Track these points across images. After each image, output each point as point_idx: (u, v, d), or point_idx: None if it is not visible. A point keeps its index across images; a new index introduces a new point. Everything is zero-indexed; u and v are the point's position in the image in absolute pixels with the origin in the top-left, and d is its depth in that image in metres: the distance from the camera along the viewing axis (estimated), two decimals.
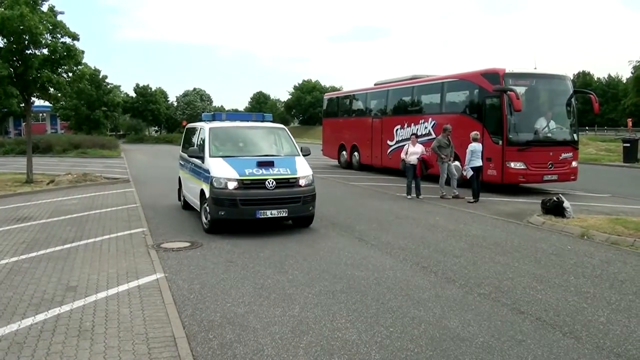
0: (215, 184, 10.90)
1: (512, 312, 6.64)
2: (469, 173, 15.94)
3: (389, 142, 23.98)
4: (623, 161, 31.73)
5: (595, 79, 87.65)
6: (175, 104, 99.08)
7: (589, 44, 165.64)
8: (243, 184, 10.85)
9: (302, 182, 11.34)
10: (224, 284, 7.74)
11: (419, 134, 20.67)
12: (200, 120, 14.27)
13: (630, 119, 43.04)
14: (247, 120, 13.70)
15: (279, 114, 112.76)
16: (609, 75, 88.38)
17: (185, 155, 13.82)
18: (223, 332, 5.94)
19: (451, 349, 5.53)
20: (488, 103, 18.20)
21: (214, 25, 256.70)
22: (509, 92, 16.90)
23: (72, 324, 6.11)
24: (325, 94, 37.44)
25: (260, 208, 10.83)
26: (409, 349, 5.52)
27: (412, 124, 22.19)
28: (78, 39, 19.91)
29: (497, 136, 17.62)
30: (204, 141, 12.19)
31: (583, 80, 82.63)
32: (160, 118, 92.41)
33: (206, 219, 11.34)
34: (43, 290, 7.35)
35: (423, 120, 21.71)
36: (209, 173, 11.12)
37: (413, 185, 16.80)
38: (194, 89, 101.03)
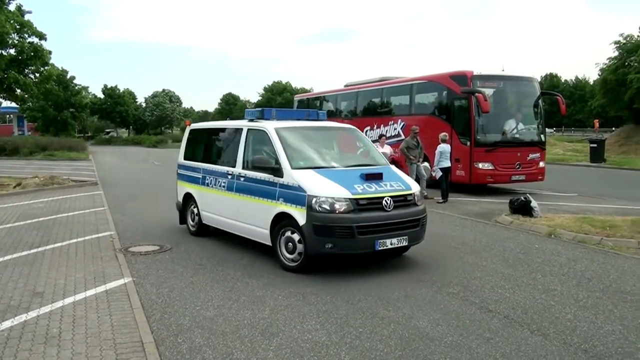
0: (317, 206, 8.11)
1: (480, 311, 6.71)
2: (438, 174, 16.10)
3: None
4: (590, 161, 32.26)
5: (563, 81, 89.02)
6: (144, 105, 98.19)
7: (557, 47, 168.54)
8: (358, 205, 8.22)
9: (417, 199, 9.04)
10: (193, 287, 7.68)
11: (388, 135, 20.78)
12: (238, 118, 12.04)
13: (597, 120, 43.83)
14: (301, 119, 10.61)
15: None
16: (576, 77, 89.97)
17: (205, 165, 10.94)
18: (192, 336, 5.90)
19: (420, 349, 5.57)
20: (456, 104, 18.40)
21: (183, 26, 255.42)
22: (476, 94, 17.11)
23: (39, 330, 6.00)
24: (296, 95, 37.44)
25: (379, 237, 8.27)
26: (378, 349, 5.55)
27: (382, 125, 22.28)
28: (45, 39, 19.72)
29: (465, 137, 17.80)
30: (263, 147, 9.53)
31: (550, 82, 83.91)
32: (129, 119, 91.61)
33: (289, 253, 8.57)
34: (9, 296, 7.21)
35: (392, 122, 21.83)
36: (304, 191, 8.28)
37: None
38: (163, 90, 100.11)
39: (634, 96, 40.98)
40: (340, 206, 8.10)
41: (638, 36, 44.78)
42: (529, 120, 19.03)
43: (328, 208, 8.10)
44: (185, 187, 11.65)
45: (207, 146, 11.71)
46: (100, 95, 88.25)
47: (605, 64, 46.98)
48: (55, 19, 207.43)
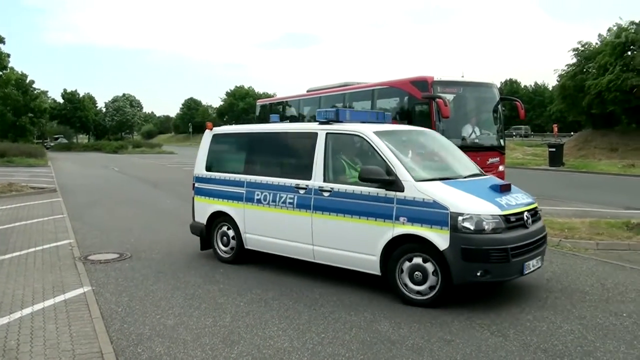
0: (464, 225, 6.73)
1: (440, 313, 6.78)
2: None
3: None
4: (549, 165, 32.88)
5: (522, 87, 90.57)
6: (104, 110, 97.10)
7: (517, 53, 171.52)
8: (507, 223, 6.98)
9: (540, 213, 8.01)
10: (153, 295, 7.60)
11: None
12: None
13: (555, 125, 44.79)
14: (372, 121, 9.10)
15: (211, 120, 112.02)
16: (536, 83, 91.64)
17: (251, 178, 9.02)
18: (152, 345, 5.83)
19: (382, 352, 5.61)
20: (417, 110, 18.53)
21: (145, 30, 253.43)
22: (437, 100, 17.23)
23: None
24: (258, 100, 37.36)
25: (526, 258, 7.08)
26: (340, 354, 5.57)
27: None
28: (4, 42, 19.36)
29: None
30: (354, 154, 8.29)
31: (510, 88, 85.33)
32: (89, 125, 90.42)
33: (418, 284, 7.10)
34: None
35: None
36: (443, 207, 6.81)
37: None
38: (124, 95, 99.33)
39: (591, 102, 42.10)
40: (488, 225, 6.80)
41: (596, 44, 46.04)
42: (489, 125, 19.25)
43: (474, 228, 6.74)
44: (212, 205, 9.62)
45: (250, 155, 9.53)
46: (60, 100, 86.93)
47: (564, 70, 48.24)
48: (12, 21, 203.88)
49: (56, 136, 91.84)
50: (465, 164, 8.57)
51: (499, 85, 20.72)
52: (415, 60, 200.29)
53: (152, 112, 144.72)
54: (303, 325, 6.41)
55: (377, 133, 7.83)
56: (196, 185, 10.01)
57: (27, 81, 58.02)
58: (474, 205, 6.91)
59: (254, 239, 9.02)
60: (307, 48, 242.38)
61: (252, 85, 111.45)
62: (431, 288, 7.01)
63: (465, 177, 7.86)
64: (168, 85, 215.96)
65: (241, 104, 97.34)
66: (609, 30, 44.68)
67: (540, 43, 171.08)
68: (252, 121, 47.46)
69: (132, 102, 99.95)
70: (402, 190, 7.14)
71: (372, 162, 7.60)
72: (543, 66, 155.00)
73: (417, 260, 7.07)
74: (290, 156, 9.02)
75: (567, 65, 47.87)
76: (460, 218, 6.71)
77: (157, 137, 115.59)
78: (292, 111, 28.25)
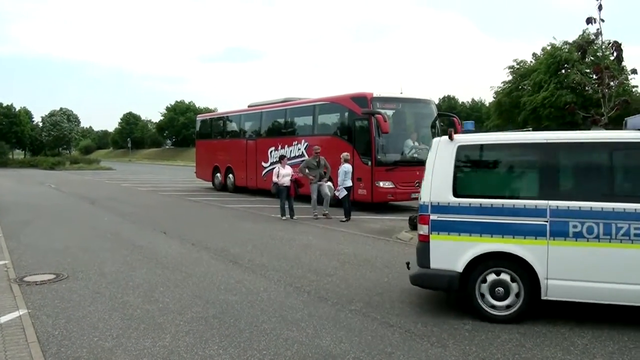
0: None
1: (382, 326, 6.88)
2: (342, 193, 16.47)
3: (263, 164, 24.20)
4: None
5: (460, 103, 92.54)
6: (41, 124, 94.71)
7: (455, 71, 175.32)
8: None
9: None
10: (91, 317, 7.41)
11: (292, 155, 21.25)
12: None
13: None
14: None
15: (151, 135, 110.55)
16: (473, 99, 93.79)
17: (554, 204, 6.75)
18: None
19: None
20: (357, 125, 18.92)
21: (83, 42, 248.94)
22: (376, 115, 17.66)
23: None
24: (198, 115, 37.23)
25: None
26: None
27: (286, 146, 22.55)
28: None
29: (367, 157, 18.33)
30: None
31: (448, 104, 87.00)
32: (25, 140, 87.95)
33: None
34: None
35: (296, 142, 22.11)
36: None
37: (287, 206, 17.04)
38: (61, 109, 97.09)
39: (527, 117, 43.60)
40: None
41: (531, 62, 47.73)
42: (427, 140, 19.70)
43: None
44: (478, 244, 7.09)
45: (549, 172, 7.05)
46: None
47: (500, 87, 49.86)
48: None
49: None
50: None
51: (436, 102, 21.30)
52: (356, 76, 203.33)
53: (90, 127, 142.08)
54: (244, 342, 6.38)
55: None
56: (435, 217, 7.30)
57: None
58: None
59: (566, 287, 6.85)
60: (249, 62, 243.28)
61: (193, 100, 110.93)
62: None
63: None
64: (106, 99, 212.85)
65: (182, 119, 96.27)
66: (543, 49, 46.41)
67: (477, 60, 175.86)
68: (193, 136, 46.34)
69: (69, 117, 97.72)
70: None
71: None
72: (480, 83, 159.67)
73: None
74: (628, 173, 7.16)
75: (502, 82, 49.65)
76: None
77: (95, 153, 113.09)
78: (233, 126, 28.30)
